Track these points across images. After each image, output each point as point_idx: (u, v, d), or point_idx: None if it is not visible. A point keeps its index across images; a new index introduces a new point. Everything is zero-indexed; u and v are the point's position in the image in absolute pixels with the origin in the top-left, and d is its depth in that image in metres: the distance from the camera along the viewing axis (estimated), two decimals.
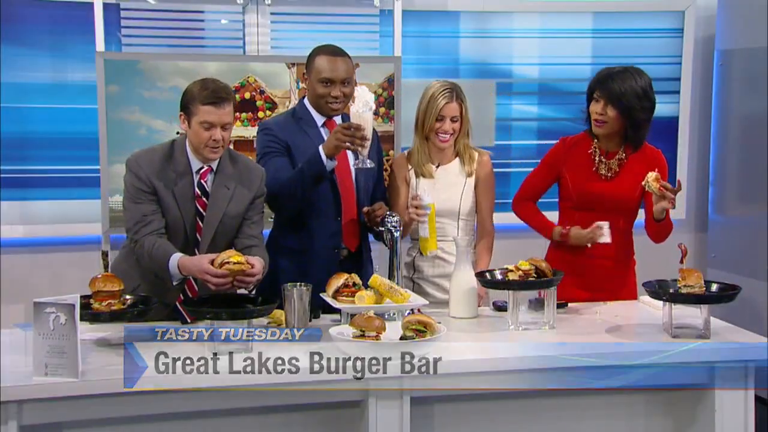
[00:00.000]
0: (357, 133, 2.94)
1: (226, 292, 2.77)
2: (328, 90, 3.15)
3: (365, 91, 2.98)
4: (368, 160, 3.02)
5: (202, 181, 2.97)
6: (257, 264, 2.77)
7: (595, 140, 3.30)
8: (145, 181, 2.90)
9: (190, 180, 2.95)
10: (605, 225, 3.15)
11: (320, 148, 3.04)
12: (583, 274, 3.24)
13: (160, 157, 2.95)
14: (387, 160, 4.51)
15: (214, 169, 2.97)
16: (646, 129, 3.26)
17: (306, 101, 3.27)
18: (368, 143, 2.99)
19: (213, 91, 2.85)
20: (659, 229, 3.20)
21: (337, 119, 3.26)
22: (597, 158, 3.29)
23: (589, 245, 3.20)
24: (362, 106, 2.96)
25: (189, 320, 2.89)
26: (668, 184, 3.01)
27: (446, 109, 3.27)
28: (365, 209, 3.20)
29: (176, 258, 2.82)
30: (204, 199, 2.96)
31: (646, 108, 3.19)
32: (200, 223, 2.97)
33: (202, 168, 2.96)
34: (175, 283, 2.87)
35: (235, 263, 2.72)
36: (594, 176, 3.28)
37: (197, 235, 2.97)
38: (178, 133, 4.04)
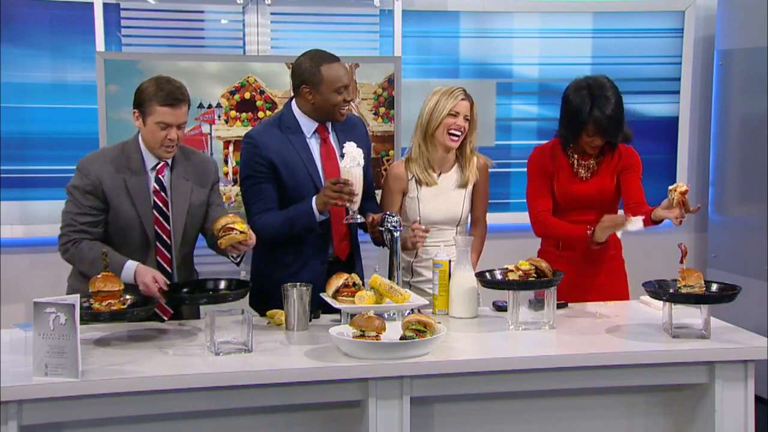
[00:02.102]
0: (345, 189, 2.94)
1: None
2: (343, 96, 3.11)
3: (353, 147, 2.98)
4: (358, 216, 3.01)
5: (160, 176, 3.01)
6: (254, 236, 2.88)
7: (570, 145, 3.33)
8: (93, 182, 2.93)
9: (145, 177, 2.99)
10: (638, 221, 3.08)
11: (313, 201, 3.05)
12: (572, 273, 3.23)
13: (112, 157, 2.99)
14: (387, 160, 4.51)
15: (170, 164, 3.03)
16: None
17: (295, 108, 3.19)
18: (357, 198, 2.98)
19: (169, 92, 2.90)
20: (644, 222, 3.16)
21: (328, 126, 3.22)
22: (575, 162, 3.32)
23: (619, 234, 3.18)
24: (350, 161, 2.96)
25: (165, 318, 2.91)
26: (689, 203, 2.97)
27: (460, 106, 3.26)
28: (372, 217, 3.14)
29: (129, 267, 2.85)
30: (163, 194, 3.01)
31: (624, 120, 3.24)
32: (159, 217, 3.00)
33: (158, 164, 3.01)
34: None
35: (240, 232, 2.82)
36: (574, 179, 3.33)
37: (156, 228, 3.00)
38: None
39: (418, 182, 3.34)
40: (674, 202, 2.96)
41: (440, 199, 3.34)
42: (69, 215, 2.97)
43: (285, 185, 3.14)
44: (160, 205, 3.00)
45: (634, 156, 3.36)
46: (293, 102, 3.21)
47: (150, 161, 3.00)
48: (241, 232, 2.82)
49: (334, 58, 3.14)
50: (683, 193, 2.94)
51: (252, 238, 2.86)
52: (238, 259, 3.03)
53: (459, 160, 3.37)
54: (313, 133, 3.19)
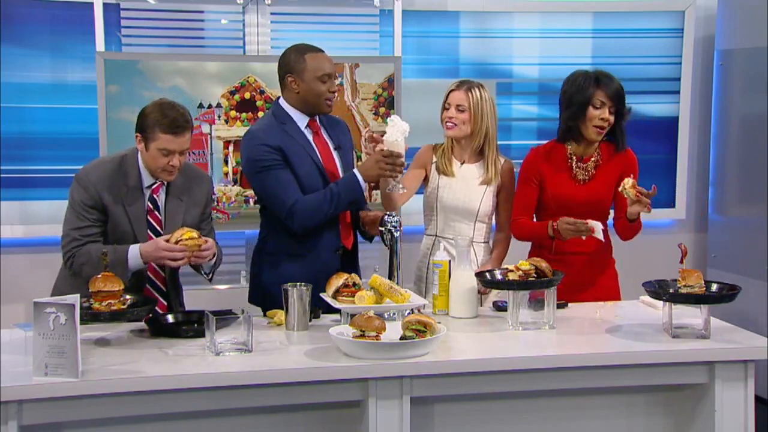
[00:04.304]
0: (398, 161, 3.01)
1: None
2: (328, 86, 3.13)
3: (399, 119, 3.05)
4: (400, 185, 3.09)
5: (155, 195, 3.01)
6: (210, 240, 2.89)
7: (569, 146, 3.33)
8: (93, 196, 2.92)
9: (141, 194, 2.98)
10: (598, 226, 3.14)
11: (356, 174, 3.07)
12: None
13: (111, 170, 2.97)
14: None
15: (165, 183, 3.02)
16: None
17: (284, 104, 3.20)
18: (402, 169, 3.08)
19: (173, 120, 2.87)
20: (629, 228, 3.25)
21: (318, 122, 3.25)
22: (573, 164, 3.32)
23: (584, 237, 3.17)
24: (399, 134, 3.03)
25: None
26: (644, 190, 3.05)
27: (451, 97, 3.38)
28: (367, 216, 3.20)
29: (136, 248, 2.87)
30: (156, 213, 3.01)
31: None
32: (153, 236, 2.99)
33: (154, 183, 3.00)
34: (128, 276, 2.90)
35: (188, 239, 2.82)
36: (571, 182, 3.32)
37: None
38: None
39: (439, 170, 3.41)
40: (632, 197, 3.04)
41: (458, 188, 3.39)
42: (74, 231, 2.93)
43: (296, 172, 3.12)
44: (154, 224, 3.00)
45: (632, 161, 3.35)
46: (281, 98, 3.23)
47: (147, 179, 2.99)
48: (190, 238, 2.82)
49: (318, 49, 3.17)
50: (634, 186, 3.03)
51: (208, 241, 2.87)
52: (210, 275, 3.05)
53: (484, 156, 3.42)
54: (306, 126, 3.20)
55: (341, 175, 3.20)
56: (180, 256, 2.82)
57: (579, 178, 3.31)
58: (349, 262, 3.24)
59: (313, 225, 3.12)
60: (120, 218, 2.94)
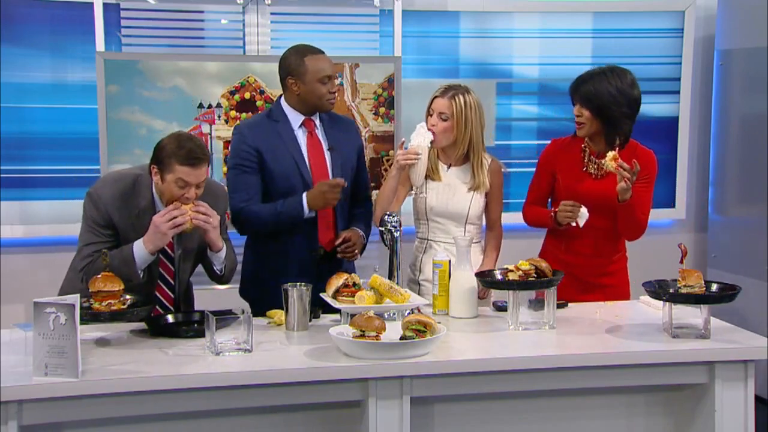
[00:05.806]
0: (337, 189, 3.10)
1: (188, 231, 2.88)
2: (328, 87, 3.17)
3: (425, 128, 3.27)
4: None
5: None
6: (201, 203, 2.89)
7: (586, 140, 3.32)
8: (104, 215, 2.90)
9: (152, 216, 2.90)
10: (584, 210, 3.19)
11: (303, 198, 3.11)
12: (572, 274, 3.23)
13: (122, 191, 2.93)
14: (386, 160, 4.51)
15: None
16: (627, 127, 3.27)
17: (283, 103, 3.24)
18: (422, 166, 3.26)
19: (190, 151, 2.83)
20: (622, 215, 3.20)
21: (316, 120, 3.27)
22: (587, 158, 3.32)
23: (573, 224, 3.21)
24: (427, 139, 3.23)
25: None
26: (625, 164, 3.05)
27: (435, 104, 3.35)
28: (342, 237, 3.21)
29: (138, 242, 2.85)
30: None
31: (621, 105, 3.21)
32: (164, 259, 2.99)
33: None
34: (140, 274, 2.88)
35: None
36: (583, 176, 3.31)
37: (160, 269, 3.00)
38: None
39: (426, 175, 3.38)
40: (613, 170, 3.06)
41: (446, 193, 3.38)
42: (88, 248, 2.91)
43: (272, 172, 3.17)
44: (166, 248, 2.97)
45: (651, 164, 3.30)
46: (282, 97, 3.27)
47: (160, 204, 2.95)
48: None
49: (318, 51, 3.21)
50: (615, 159, 3.04)
51: (203, 204, 2.86)
52: (222, 270, 3.03)
53: (470, 160, 3.39)
54: (300, 125, 3.23)
55: (330, 177, 3.21)
56: (180, 221, 2.80)
57: (590, 172, 3.31)
58: (333, 264, 3.21)
59: (256, 232, 3.22)
60: (130, 237, 2.90)
